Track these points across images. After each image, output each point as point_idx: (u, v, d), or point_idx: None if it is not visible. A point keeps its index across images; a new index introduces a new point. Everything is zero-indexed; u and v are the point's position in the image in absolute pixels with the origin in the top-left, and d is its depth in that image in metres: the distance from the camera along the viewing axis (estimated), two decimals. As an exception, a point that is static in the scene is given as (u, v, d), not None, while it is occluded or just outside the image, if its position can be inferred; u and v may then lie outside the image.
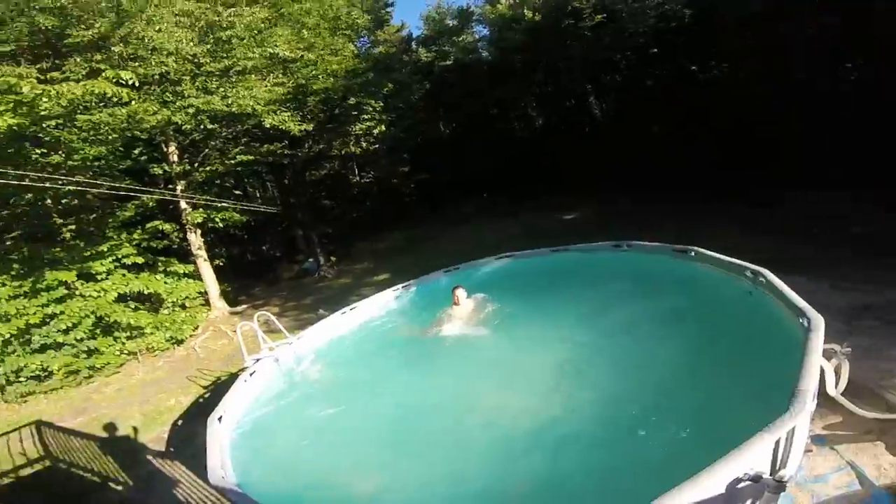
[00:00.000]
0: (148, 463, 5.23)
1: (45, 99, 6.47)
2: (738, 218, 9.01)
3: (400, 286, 7.14)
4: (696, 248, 4.87)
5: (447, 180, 19.98)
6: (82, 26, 8.00)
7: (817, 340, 2.52)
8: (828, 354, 2.71)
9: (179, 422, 6.10)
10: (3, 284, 7.75)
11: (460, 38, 21.83)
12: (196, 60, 9.04)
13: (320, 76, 12.01)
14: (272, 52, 9.76)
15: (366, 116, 15.30)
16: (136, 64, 8.20)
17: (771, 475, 1.92)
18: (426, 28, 22.77)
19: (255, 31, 9.61)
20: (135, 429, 6.11)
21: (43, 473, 5.59)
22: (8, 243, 8.76)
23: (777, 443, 1.99)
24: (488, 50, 21.27)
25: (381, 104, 15.49)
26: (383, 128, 15.51)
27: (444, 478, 3.20)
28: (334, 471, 3.62)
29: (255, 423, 4.38)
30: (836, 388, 2.80)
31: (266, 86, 10.32)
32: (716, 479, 1.84)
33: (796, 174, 9.95)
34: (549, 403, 3.73)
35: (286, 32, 10.48)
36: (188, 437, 5.44)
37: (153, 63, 8.24)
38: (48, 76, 7.67)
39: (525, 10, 16.94)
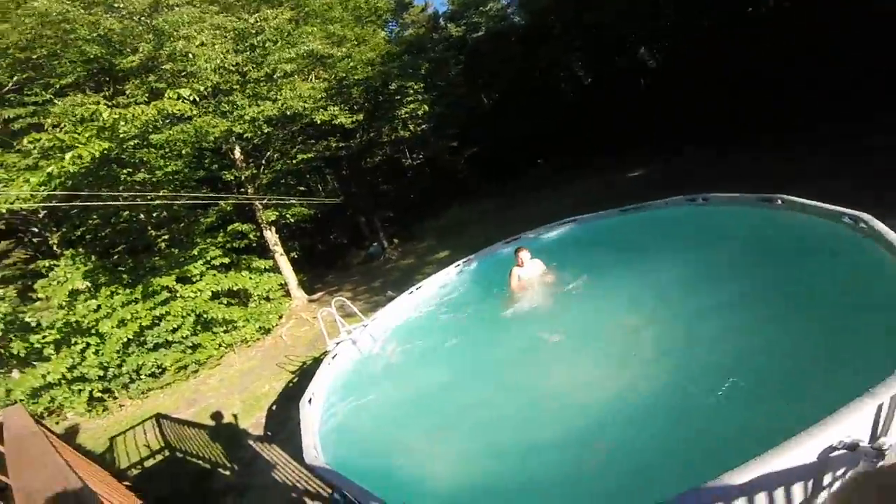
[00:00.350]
0: (249, 447, 5.62)
1: (122, 123, 7.04)
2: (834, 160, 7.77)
3: (461, 261, 7.13)
4: (782, 195, 4.36)
5: (498, 151, 19.47)
6: (128, 50, 8.60)
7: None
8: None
9: (274, 406, 6.49)
10: (117, 293, 8.80)
11: (488, 7, 21.01)
12: (239, 70, 9.45)
13: (358, 66, 12.17)
14: (307, 49, 9.92)
15: (409, 99, 15.34)
16: (188, 80, 8.69)
17: (870, 443, 1.72)
18: (451, 3, 22.10)
19: (284, 33, 9.86)
20: (235, 416, 6.66)
21: (164, 462, 6.15)
22: (115, 257, 9.97)
23: (879, 408, 1.78)
24: (519, 14, 20.23)
25: (422, 84, 15.40)
26: (426, 107, 15.52)
27: (521, 449, 3.19)
28: (414, 445, 3.73)
29: (340, 403, 4.60)
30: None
31: (310, 84, 10.60)
32: (806, 447, 1.69)
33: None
34: (624, 373, 3.54)
35: (314, 29, 10.62)
36: (282, 420, 5.90)
37: (202, 78, 8.68)
38: (114, 101, 8.41)
39: None
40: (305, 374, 6.95)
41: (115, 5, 8.14)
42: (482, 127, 19.50)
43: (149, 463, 6.17)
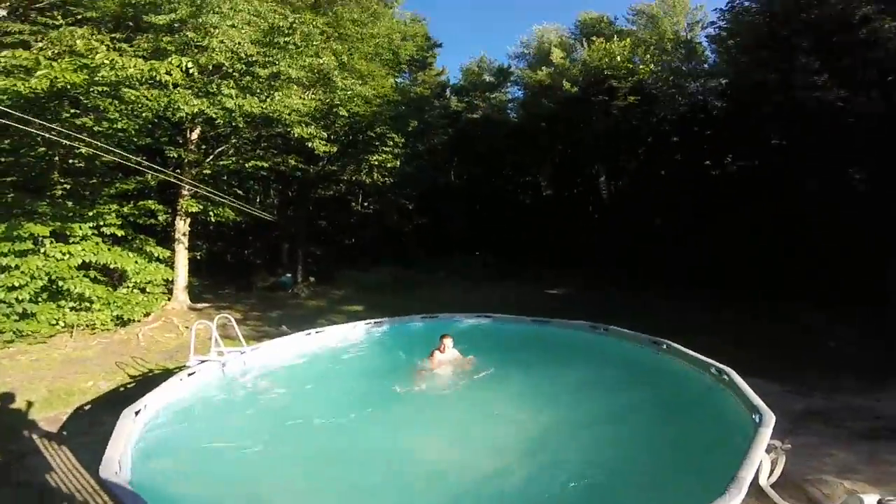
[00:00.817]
0: (29, 441, 4.80)
1: (105, 68, 6.68)
2: (728, 324, 9.16)
3: (373, 321, 6.95)
4: (667, 341, 5.24)
5: (446, 229, 20.16)
6: (169, 7, 8.32)
7: (765, 435, 2.88)
8: (769, 448, 2.97)
9: (87, 406, 5.68)
10: None
11: (493, 95, 22.89)
12: (249, 60, 9.27)
13: (355, 99, 12.32)
14: (319, 62, 10.11)
15: (385, 149, 15.63)
16: (197, 52, 8.39)
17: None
18: (463, 79, 24.04)
19: (310, 41, 10.03)
20: (30, 403, 5.63)
21: None
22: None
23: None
24: (517, 112, 22.31)
25: (403, 140, 15.86)
26: (397, 163, 15.80)
27: None
28: (238, 491, 3.33)
29: (172, 425, 4.06)
30: (768, 479, 3.04)
31: (303, 99, 10.61)
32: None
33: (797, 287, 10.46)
34: (499, 465, 3.63)
35: (334, 53, 10.88)
36: (91, 423, 5.05)
37: (214, 54, 8.44)
38: (117, 45, 7.86)
39: (564, 81, 17.92)
40: (146, 383, 6.02)
41: None
42: (442, 202, 20.26)
43: None
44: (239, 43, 8.57)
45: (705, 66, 17.46)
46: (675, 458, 3.54)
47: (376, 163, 16.04)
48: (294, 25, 9.53)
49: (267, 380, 5.48)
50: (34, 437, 4.89)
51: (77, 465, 4.16)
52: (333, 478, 3.57)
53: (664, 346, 5.22)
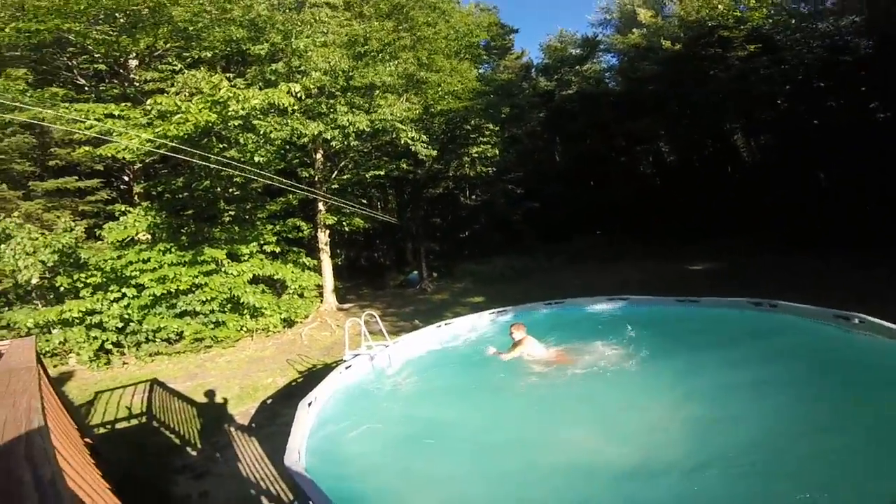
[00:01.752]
0: (227, 433, 5.47)
1: (234, 101, 7.76)
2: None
3: (496, 310, 6.97)
4: (860, 314, 4.18)
5: (559, 212, 19.34)
6: (263, 38, 9.50)
7: None
8: None
9: (269, 400, 6.38)
10: (171, 251, 9.28)
11: (584, 68, 21.26)
12: (348, 75, 10.16)
13: (446, 97, 12.71)
14: (404, 66, 10.53)
15: (483, 139, 15.71)
16: (301, 77, 9.41)
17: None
18: (546, 57, 22.68)
19: (385, 44, 10.56)
20: (226, 400, 6.57)
21: (135, 428, 6.05)
22: (182, 219, 10.66)
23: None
24: (616, 80, 20.39)
25: (498, 128, 15.81)
26: (497, 151, 15.81)
27: None
28: (398, 479, 3.54)
29: (338, 415, 4.46)
30: None
31: (405, 106, 11.23)
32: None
33: None
34: (639, 457, 3.35)
35: (411, 54, 11.23)
36: (272, 416, 5.75)
37: (314, 77, 9.38)
38: (234, 82, 9.21)
39: (661, 40, 15.94)
40: (312, 377, 6.84)
41: None
42: (550, 185, 19.55)
43: (121, 425, 6.14)
44: (330, 61, 9.29)
45: (828, 4, 14.00)
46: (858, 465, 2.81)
47: (476, 154, 16.28)
48: (369, 34, 10.10)
49: (409, 370, 5.86)
50: (231, 429, 5.59)
51: (262, 455, 4.70)
52: (473, 455, 3.69)
53: (857, 321, 4.20)
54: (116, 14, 8.58)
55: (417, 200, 18.97)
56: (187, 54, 10.37)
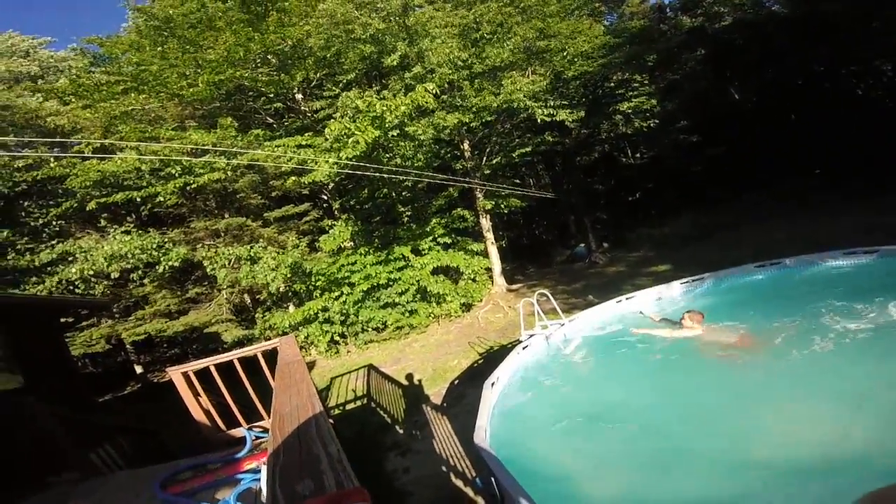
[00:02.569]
0: (425, 413, 5.96)
1: (388, 112, 8.59)
2: None
3: (690, 279, 6.06)
4: None
5: (751, 155, 15.71)
6: (389, 49, 10.23)
7: None
8: None
9: (456, 381, 6.83)
10: (369, 254, 10.95)
11: None
12: (468, 64, 10.24)
13: (576, 60, 11.81)
14: (520, 43, 10.09)
15: (633, 93, 14.06)
16: (430, 77, 9.82)
17: None
18: None
19: (498, 25, 10.22)
20: (421, 381, 7.23)
21: (360, 408, 6.85)
22: (373, 225, 12.42)
23: None
24: (780, 2, 15.64)
25: (647, 77, 13.91)
26: (654, 102, 14.09)
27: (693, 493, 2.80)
28: (578, 457, 3.54)
29: (518, 393, 4.58)
30: None
31: (529, 79, 10.81)
32: None
33: None
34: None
35: (525, 26, 10.60)
36: (459, 396, 6.16)
37: (440, 75, 9.76)
38: (380, 94, 10.11)
39: None
40: (491, 358, 7.17)
41: (378, 5, 9.83)
42: (731, 125, 16.11)
43: (350, 406, 7.08)
44: (452, 51, 9.41)
45: None
46: None
47: (629, 110, 14.61)
48: (479, 18, 9.87)
49: (586, 348, 5.65)
50: (428, 409, 6.07)
51: (452, 433, 5.04)
52: (649, 438, 3.46)
53: None
54: (269, 56, 10.17)
55: (571, 170, 17.96)
56: (338, 78, 11.80)
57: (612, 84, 15.02)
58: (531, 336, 5.68)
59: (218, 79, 9.49)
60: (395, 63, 10.01)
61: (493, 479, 2.81)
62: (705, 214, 14.51)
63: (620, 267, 12.32)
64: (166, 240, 9.98)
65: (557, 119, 11.28)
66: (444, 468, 4.41)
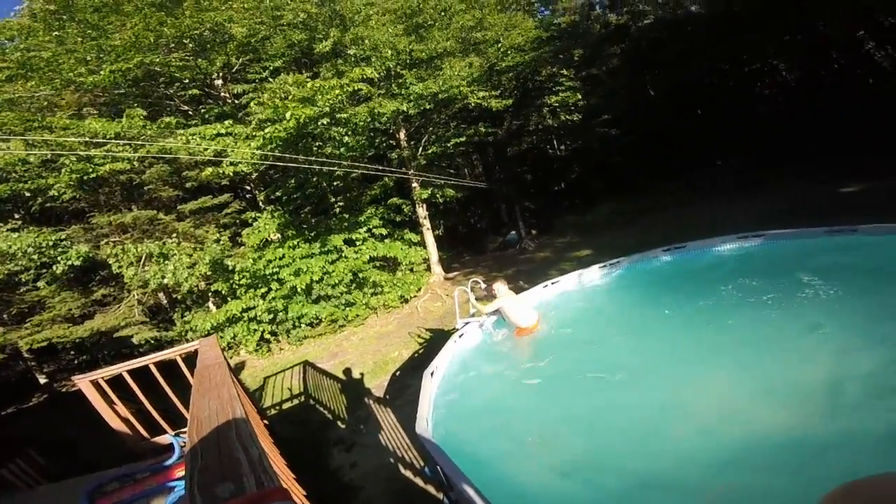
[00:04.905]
0: (367, 406, 5.93)
1: (319, 95, 8.26)
2: None
3: (607, 263, 6.57)
4: None
5: (666, 146, 17.29)
6: (321, 36, 9.86)
7: None
8: None
9: (398, 372, 6.83)
10: (299, 246, 10.47)
11: None
12: (409, 50, 10.20)
13: (508, 52, 12.24)
14: (461, 26, 10.39)
15: (560, 88, 14.95)
16: (365, 64, 9.67)
17: None
18: None
19: (442, 11, 10.40)
20: (362, 375, 7.17)
21: (298, 407, 6.66)
22: (302, 216, 11.92)
23: None
24: (698, 3, 17.52)
25: (573, 72, 14.88)
26: (579, 96, 15.02)
27: (625, 472, 2.97)
28: (517, 440, 3.68)
29: (457, 381, 4.71)
30: None
31: (466, 62, 11.03)
32: None
33: None
34: (797, 418, 2.97)
35: (465, 16, 10.92)
36: (402, 387, 6.19)
37: (378, 60, 9.58)
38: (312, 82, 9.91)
39: None
40: (432, 346, 7.29)
41: None
42: (648, 119, 17.58)
43: (287, 405, 6.87)
44: (393, 36, 9.36)
45: None
46: None
47: (556, 104, 15.45)
48: (420, 3, 9.93)
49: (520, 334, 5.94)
50: (370, 402, 6.02)
51: (396, 425, 5.08)
52: (584, 419, 3.66)
53: None
54: (184, 40, 9.40)
55: (502, 160, 18.56)
56: (262, 64, 11.18)
57: (542, 77, 15.65)
58: (466, 324, 5.87)
59: (124, 66, 8.53)
60: (327, 49, 9.62)
61: (438, 467, 2.89)
62: (625, 202, 15.73)
63: (548, 252, 12.99)
64: (63, 236, 8.83)
65: (488, 106, 11.64)
66: (391, 460, 4.45)
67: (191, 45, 9.61)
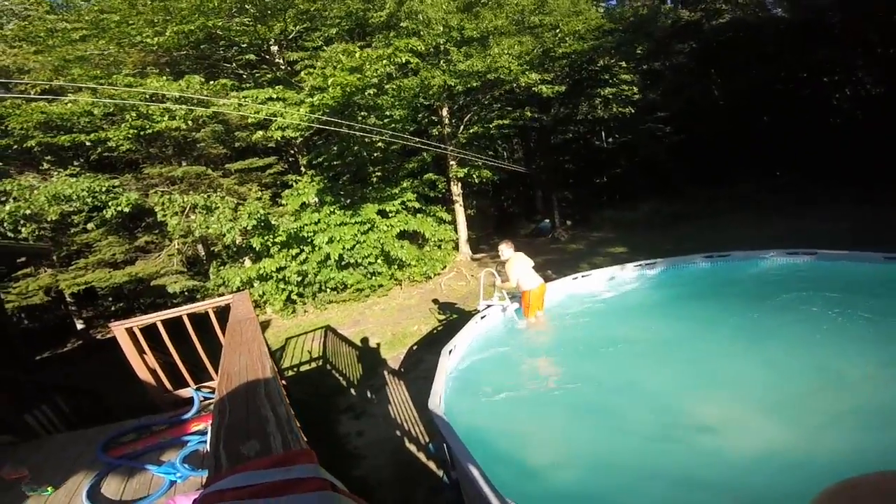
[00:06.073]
0: (381, 377, 5.98)
1: (367, 64, 8.25)
2: None
3: (643, 262, 6.37)
4: None
5: (721, 151, 16.32)
6: (377, 6, 9.77)
7: None
8: None
9: (415, 347, 6.87)
10: (335, 213, 10.60)
11: None
12: (460, 27, 9.97)
13: (567, 39, 11.77)
14: (520, 4, 10.03)
15: (617, 79, 14.39)
16: (417, 40, 9.52)
17: None
18: None
19: None
20: (380, 345, 7.23)
21: (315, 370, 6.71)
22: (340, 183, 12.06)
23: None
24: (783, 6, 16.01)
25: (632, 65, 14.11)
26: (635, 89, 14.40)
27: (639, 463, 2.99)
28: (529, 425, 3.71)
29: (474, 362, 4.77)
30: None
31: (516, 40, 10.68)
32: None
33: None
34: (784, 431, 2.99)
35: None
36: (417, 361, 6.23)
37: (429, 36, 9.42)
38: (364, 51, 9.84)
39: None
40: (452, 325, 7.30)
41: None
42: (706, 121, 16.57)
43: (304, 368, 6.93)
44: (447, 13, 9.18)
45: None
46: None
47: (610, 95, 14.82)
48: None
49: (542, 321, 5.88)
50: (385, 373, 6.08)
51: (408, 398, 5.10)
52: (595, 409, 3.67)
53: None
54: (246, 5, 9.56)
55: (545, 147, 18.05)
56: (318, 33, 11.21)
57: (598, 67, 14.98)
58: (488, 306, 5.86)
59: (188, 28, 8.76)
60: (381, 20, 9.55)
61: (444, 444, 2.90)
62: (668, 204, 15.07)
63: (580, 245, 12.69)
64: (117, 184, 9.33)
65: (538, 91, 11.27)
66: (398, 433, 4.50)
67: (252, 10, 9.76)
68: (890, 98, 13.97)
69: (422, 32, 9.76)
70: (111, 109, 8.62)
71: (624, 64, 14.72)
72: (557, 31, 11.59)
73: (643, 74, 16.16)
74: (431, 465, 3.80)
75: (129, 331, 3.94)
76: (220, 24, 9.20)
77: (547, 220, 16.40)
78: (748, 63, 15.46)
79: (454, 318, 7.86)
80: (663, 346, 4.61)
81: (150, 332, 4.09)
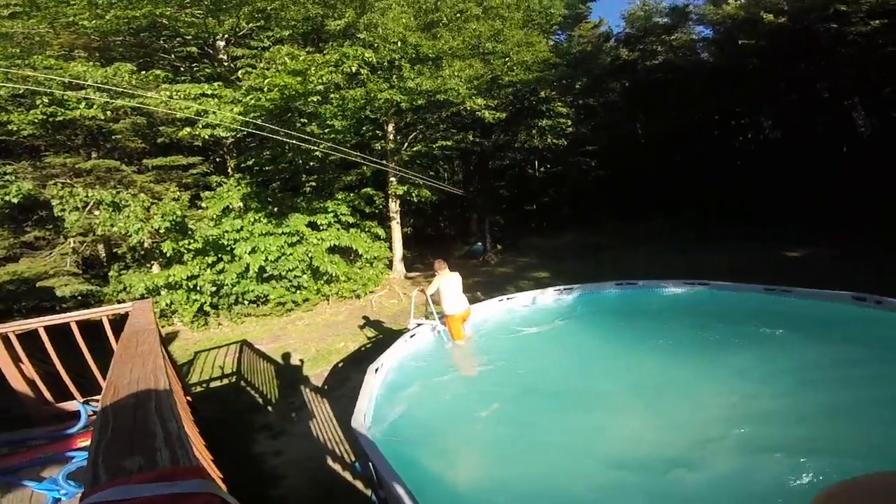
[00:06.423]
0: (302, 395, 5.76)
1: (312, 69, 8.07)
2: None
3: (562, 287, 6.82)
4: None
5: (639, 189, 18.08)
6: (336, 15, 9.73)
7: None
8: None
9: (340, 364, 6.70)
10: (260, 221, 10.07)
11: (672, 37, 19.46)
12: (417, 46, 10.21)
13: (515, 68, 12.39)
14: (474, 39, 10.48)
15: (555, 111, 15.42)
16: (371, 52, 9.57)
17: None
18: (629, 27, 21.11)
19: (458, 13, 10.53)
20: (302, 362, 6.97)
21: (227, 387, 6.35)
22: (270, 190, 11.53)
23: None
24: (710, 52, 18.50)
25: (569, 99, 15.34)
26: (569, 122, 15.46)
27: (556, 480, 3.12)
28: (455, 445, 3.75)
29: (400, 381, 4.73)
30: None
31: (467, 63, 11.10)
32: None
33: None
34: (708, 455, 3.20)
35: (485, 26, 11.03)
36: (342, 379, 6.07)
37: (384, 51, 9.49)
38: (312, 57, 9.64)
39: (762, 13, 13.97)
40: (380, 343, 7.19)
41: None
42: (630, 159, 18.28)
43: (214, 384, 6.53)
44: (405, 29, 9.40)
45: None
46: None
47: (546, 127, 15.82)
48: (438, 4, 10.09)
49: (469, 342, 6.03)
50: (306, 390, 5.85)
51: (332, 417, 4.95)
52: (521, 440, 3.73)
53: None
54: None
55: (483, 172, 18.78)
56: (269, 33, 10.90)
57: (539, 98, 15.91)
58: (419, 325, 5.88)
59: (131, 14, 8.11)
60: (339, 28, 9.49)
61: (370, 463, 2.87)
62: (590, 235, 16.26)
63: (508, 269, 13.22)
64: (10, 171, 8.18)
65: (481, 116, 11.78)
66: (320, 452, 4.34)
67: (207, 2, 9.26)
68: (784, 142, 16.39)
69: (377, 45, 9.80)
70: (20, 91, 7.65)
71: (562, 98, 15.77)
72: (507, 59, 12.15)
73: (578, 109, 17.52)
74: (358, 484, 3.69)
75: (3, 337, 3.49)
76: (168, 13, 8.63)
77: (480, 244, 16.92)
78: (674, 104, 17.20)
79: (383, 336, 7.76)
80: (580, 364, 4.93)
81: (31, 338, 3.63)
